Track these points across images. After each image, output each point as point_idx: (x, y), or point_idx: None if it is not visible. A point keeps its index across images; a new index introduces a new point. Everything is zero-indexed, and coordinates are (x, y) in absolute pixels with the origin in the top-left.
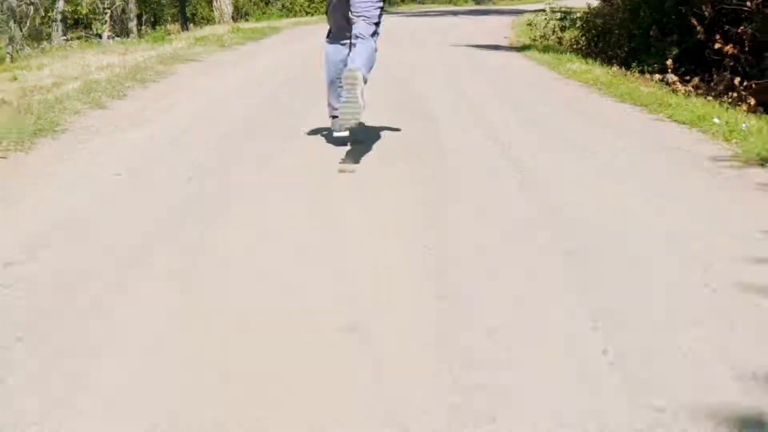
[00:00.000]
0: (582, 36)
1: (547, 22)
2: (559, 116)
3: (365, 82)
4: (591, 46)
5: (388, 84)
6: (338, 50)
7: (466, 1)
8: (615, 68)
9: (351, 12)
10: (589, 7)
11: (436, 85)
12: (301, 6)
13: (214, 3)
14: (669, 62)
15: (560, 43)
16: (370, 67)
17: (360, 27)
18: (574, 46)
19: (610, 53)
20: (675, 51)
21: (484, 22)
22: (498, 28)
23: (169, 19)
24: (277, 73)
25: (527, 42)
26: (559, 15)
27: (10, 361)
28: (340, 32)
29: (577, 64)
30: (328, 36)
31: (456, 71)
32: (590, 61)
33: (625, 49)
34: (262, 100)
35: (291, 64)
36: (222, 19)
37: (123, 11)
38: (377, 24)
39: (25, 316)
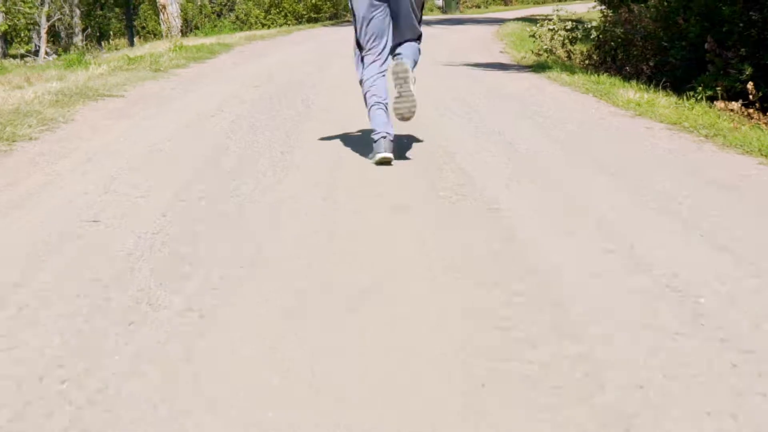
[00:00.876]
0: (596, 49)
1: (554, 33)
2: (707, 204)
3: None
4: (607, 61)
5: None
6: (377, 70)
7: (432, 10)
8: (673, 95)
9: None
10: (604, 15)
11: (462, 136)
12: (256, 18)
13: (161, 16)
14: (749, 86)
15: (569, 57)
16: (415, 63)
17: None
18: (587, 62)
19: (630, 69)
20: (748, 70)
21: (465, 33)
22: (485, 40)
23: (114, 33)
24: (221, 119)
25: (531, 56)
26: (569, 24)
27: None
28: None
29: (633, 92)
30: (361, 50)
31: (474, 106)
32: (639, 84)
33: (651, 64)
34: (180, 210)
35: (242, 101)
36: (170, 33)
37: (69, 26)
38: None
39: None
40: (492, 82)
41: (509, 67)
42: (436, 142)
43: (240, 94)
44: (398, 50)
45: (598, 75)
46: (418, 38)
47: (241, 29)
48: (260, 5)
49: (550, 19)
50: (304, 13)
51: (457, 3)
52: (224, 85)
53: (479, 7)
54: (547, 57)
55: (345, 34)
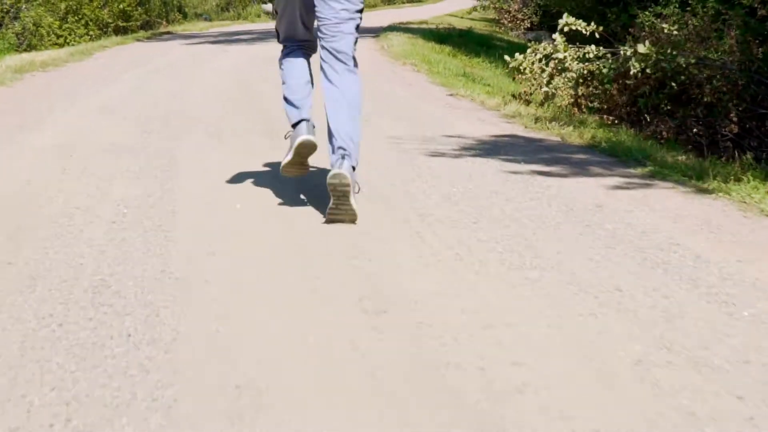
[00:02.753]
0: (619, 92)
1: (555, 68)
2: None
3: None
4: (631, 111)
5: None
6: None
7: (259, 16)
8: None
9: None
10: (633, 41)
11: None
12: (49, 28)
13: None
14: None
15: (577, 105)
16: (359, 136)
17: (333, 42)
18: (605, 110)
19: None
20: None
21: None
22: (382, 63)
23: None
24: None
25: (522, 108)
26: (586, 53)
27: None
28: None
29: None
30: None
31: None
32: None
33: (734, 118)
34: None
35: None
36: None
37: None
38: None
39: None
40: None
41: (519, 143)
42: None
43: None
44: (330, 116)
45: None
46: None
47: (30, 44)
48: (54, 12)
49: (553, 46)
50: (110, 21)
51: None
52: None
53: None
54: (550, 109)
55: (180, 54)
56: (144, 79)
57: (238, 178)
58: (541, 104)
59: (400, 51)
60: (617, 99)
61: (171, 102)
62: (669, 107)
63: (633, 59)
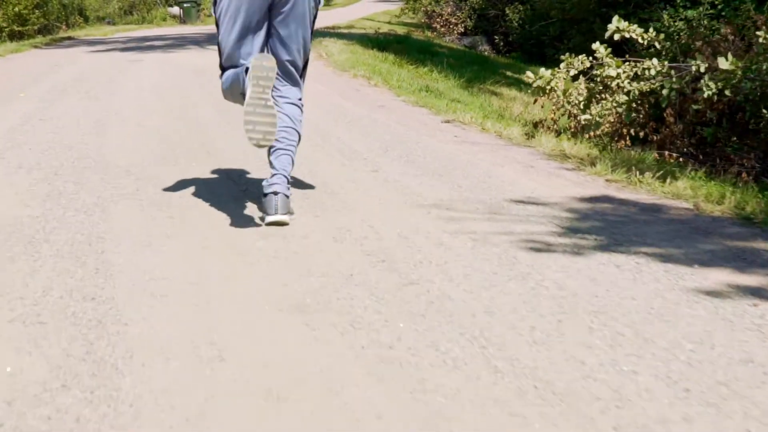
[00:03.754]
0: (675, 119)
1: (598, 88)
2: None
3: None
4: (689, 143)
5: None
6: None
7: (165, 20)
8: None
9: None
10: (712, 56)
11: None
12: None
13: None
14: None
15: (621, 135)
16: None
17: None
18: (655, 141)
19: None
20: None
21: None
22: (338, 80)
23: None
24: None
25: (560, 142)
26: (646, 69)
27: None
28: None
29: None
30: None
31: None
32: None
33: None
34: None
35: None
36: None
37: None
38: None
39: None
40: None
41: (733, 249)
42: None
43: None
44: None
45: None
46: (302, 69)
47: None
48: None
49: (591, 59)
50: (4, 25)
51: (198, 11)
52: None
53: None
54: (596, 144)
55: (88, 64)
56: (46, 101)
57: (213, 316)
58: (574, 134)
59: (343, 60)
60: (673, 128)
61: (87, 140)
62: (736, 138)
63: (706, 77)
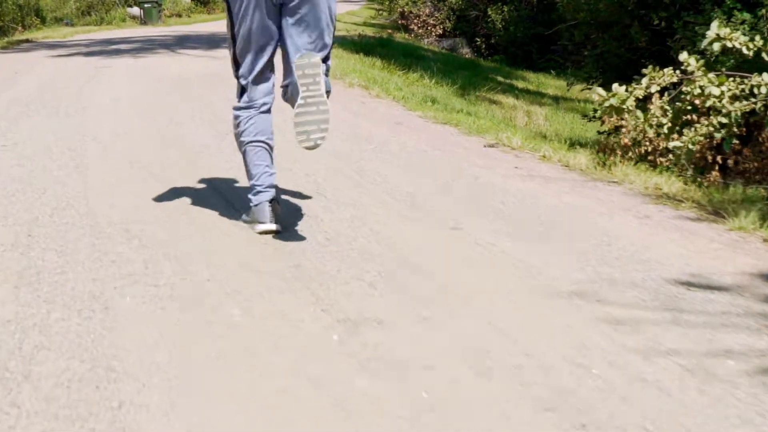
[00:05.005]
0: None
1: (686, 108)
2: None
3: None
4: None
5: None
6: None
7: (125, 21)
8: None
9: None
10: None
11: None
12: None
13: None
14: None
15: (711, 166)
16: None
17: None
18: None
19: None
20: None
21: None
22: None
23: None
24: None
25: (647, 174)
26: (756, 85)
27: None
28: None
29: None
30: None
31: None
32: None
33: None
34: None
35: None
36: None
37: None
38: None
39: None
40: None
41: None
42: None
43: None
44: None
45: None
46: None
47: None
48: None
49: (677, 73)
50: None
51: (160, 12)
52: None
53: (180, 16)
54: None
55: (51, 71)
56: (7, 119)
57: None
58: (652, 164)
59: (333, 66)
60: None
61: (64, 179)
62: None
63: None
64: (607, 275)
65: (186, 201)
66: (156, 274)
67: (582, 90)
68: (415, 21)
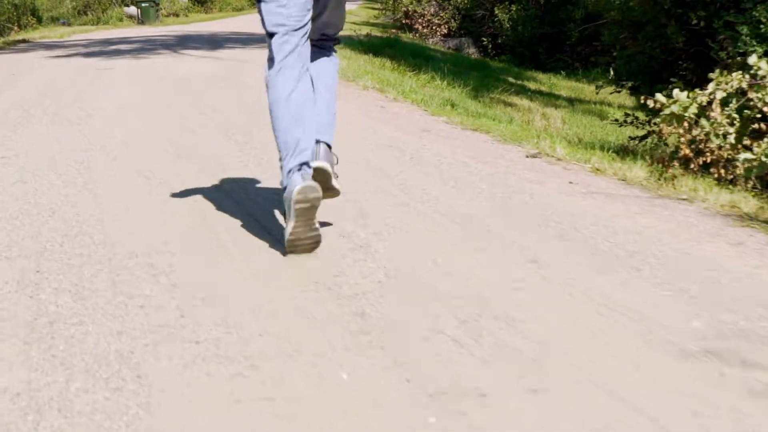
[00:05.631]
0: None
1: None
2: None
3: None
4: None
5: None
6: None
7: (122, 20)
8: None
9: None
10: None
11: None
12: None
13: None
14: None
15: None
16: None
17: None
18: None
19: None
20: None
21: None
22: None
23: None
24: None
25: (722, 193)
26: None
27: None
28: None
29: None
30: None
31: None
32: None
33: None
34: None
35: None
36: None
37: None
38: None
39: None
40: None
41: None
42: None
43: None
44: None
45: None
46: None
47: None
48: None
49: (746, 78)
50: None
51: (157, 11)
52: None
53: (178, 15)
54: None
55: (50, 74)
56: (7, 126)
57: None
58: (717, 178)
59: (344, 67)
60: None
61: (74, 198)
62: None
63: None
64: (732, 324)
65: (213, 224)
66: (194, 326)
67: (611, 93)
68: (420, 20)
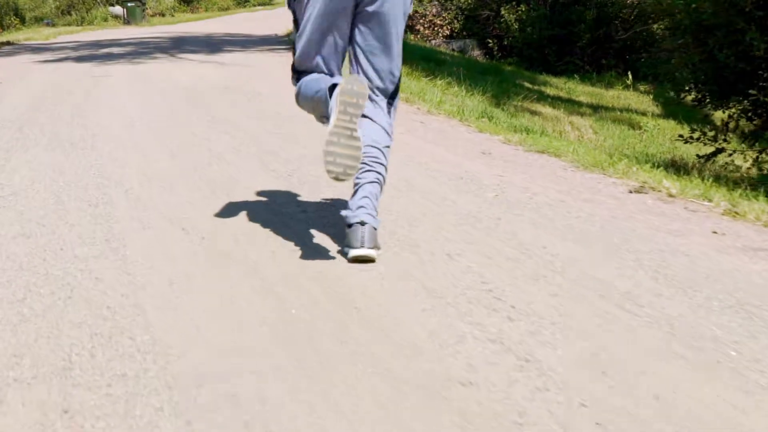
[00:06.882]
0: None
1: None
2: None
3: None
4: None
5: None
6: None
7: (107, 20)
8: None
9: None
10: None
11: None
12: None
13: None
14: None
15: None
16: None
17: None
18: None
19: None
20: None
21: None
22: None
23: None
24: None
25: None
26: None
27: None
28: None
29: None
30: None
31: None
32: None
33: None
34: None
35: None
36: None
37: None
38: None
39: None
40: None
41: None
42: None
43: None
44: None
45: None
46: (392, 98)
47: None
48: None
49: None
50: None
51: (144, 11)
52: None
53: (164, 15)
54: None
55: (40, 82)
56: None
57: None
58: None
59: None
60: None
61: (93, 264)
62: None
63: None
64: None
65: (290, 308)
66: None
67: (676, 104)
68: (421, 21)
